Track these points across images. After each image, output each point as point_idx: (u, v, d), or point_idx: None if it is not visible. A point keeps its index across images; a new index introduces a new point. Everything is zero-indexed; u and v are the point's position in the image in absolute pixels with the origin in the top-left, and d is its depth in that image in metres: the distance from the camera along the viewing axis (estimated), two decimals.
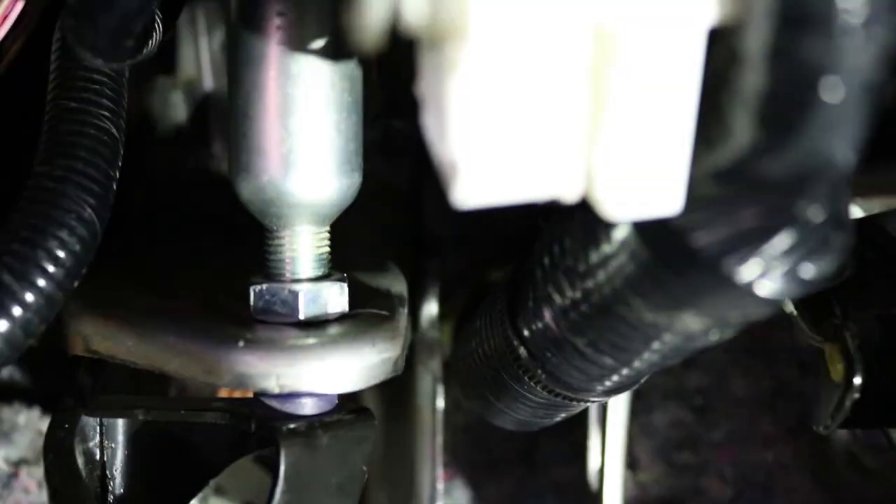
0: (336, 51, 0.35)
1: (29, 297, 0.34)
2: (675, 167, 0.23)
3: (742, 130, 0.23)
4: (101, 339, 0.39)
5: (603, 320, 0.32)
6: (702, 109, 0.23)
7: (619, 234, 0.28)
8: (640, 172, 0.23)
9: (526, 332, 0.37)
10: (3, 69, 0.43)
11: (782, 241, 0.25)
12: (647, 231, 0.27)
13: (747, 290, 0.26)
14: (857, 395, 0.40)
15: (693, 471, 0.66)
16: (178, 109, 0.53)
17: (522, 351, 0.38)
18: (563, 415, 0.44)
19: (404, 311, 0.41)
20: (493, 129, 0.21)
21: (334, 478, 0.37)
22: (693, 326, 0.29)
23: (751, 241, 0.25)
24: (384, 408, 0.58)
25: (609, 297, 0.30)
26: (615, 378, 0.36)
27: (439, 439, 0.54)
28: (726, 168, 0.24)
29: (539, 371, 0.38)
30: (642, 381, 0.39)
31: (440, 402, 0.54)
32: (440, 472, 0.55)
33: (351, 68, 0.35)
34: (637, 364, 0.33)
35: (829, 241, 0.27)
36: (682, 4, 0.21)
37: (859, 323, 0.41)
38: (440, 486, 0.55)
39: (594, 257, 0.30)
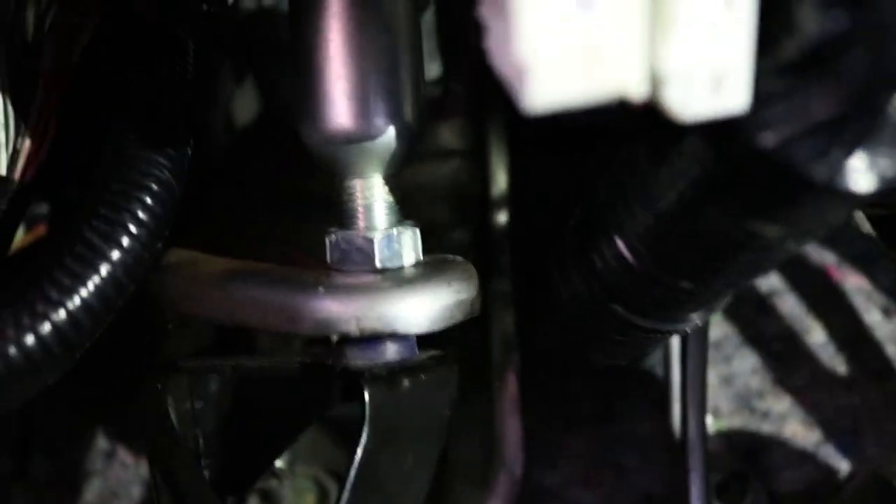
0: (394, 2, 0.36)
1: (116, 255, 0.36)
2: (740, 61, 0.23)
3: (808, 15, 0.22)
4: (187, 300, 0.41)
5: (677, 240, 0.32)
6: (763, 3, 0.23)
7: (689, 145, 0.28)
8: (705, 68, 0.23)
9: (600, 266, 0.37)
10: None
11: (859, 132, 0.25)
12: (716, 137, 0.27)
13: (823, 186, 0.25)
14: None
15: (776, 417, 0.65)
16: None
17: (598, 286, 0.38)
18: (650, 347, 0.44)
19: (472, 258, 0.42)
20: (559, 27, 0.21)
21: (418, 421, 0.38)
22: (769, 234, 0.29)
23: (825, 135, 0.25)
24: (462, 368, 0.59)
25: (682, 214, 0.30)
26: (693, 302, 0.36)
27: (515, 391, 0.54)
28: (795, 58, 0.24)
29: (617, 305, 0.38)
30: (721, 304, 0.38)
31: (516, 356, 0.55)
32: (520, 426, 0.56)
33: (410, 16, 0.36)
34: (715, 284, 0.33)
35: None
36: None
37: None
38: (520, 440, 0.55)
39: (664, 174, 0.30)
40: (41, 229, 0.60)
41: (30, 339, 0.36)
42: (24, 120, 0.44)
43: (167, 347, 0.44)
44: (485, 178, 0.54)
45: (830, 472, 0.63)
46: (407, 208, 0.51)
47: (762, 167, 0.26)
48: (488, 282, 0.54)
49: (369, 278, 0.36)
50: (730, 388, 0.66)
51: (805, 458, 0.64)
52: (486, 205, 0.53)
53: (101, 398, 0.62)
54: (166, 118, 0.39)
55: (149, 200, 0.36)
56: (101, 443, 0.64)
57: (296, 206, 0.51)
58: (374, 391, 0.36)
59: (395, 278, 0.36)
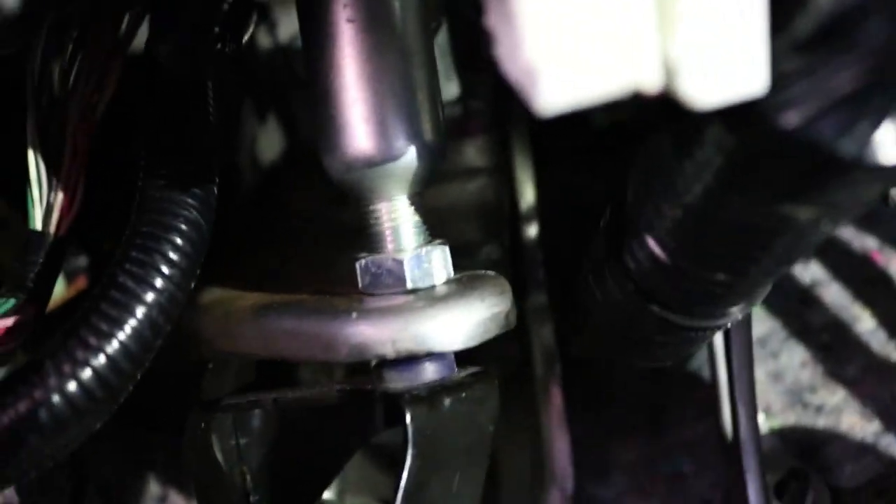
0: (405, 25, 0.36)
1: (151, 297, 0.36)
2: (755, 44, 0.23)
3: None
4: (223, 337, 0.41)
5: (708, 233, 0.31)
6: None
7: (710, 134, 0.28)
8: (718, 53, 0.23)
9: (633, 267, 0.37)
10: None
11: (884, 103, 0.24)
12: (737, 123, 0.26)
13: (852, 162, 0.25)
14: None
15: (831, 411, 0.64)
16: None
17: (633, 288, 0.37)
18: (693, 347, 0.43)
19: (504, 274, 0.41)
20: (565, 26, 0.21)
21: (462, 439, 0.38)
22: (801, 217, 0.28)
23: (849, 109, 0.24)
24: (503, 384, 0.58)
25: (710, 206, 0.30)
26: (731, 295, 0.35)
27: (560, 403, 0.54)
28: (811, 34, 0.24)
29: (654, 306, 0.37)
30: (761, 295, 0.38)
31: (558, 367, 0.54)
32: (568, 439, 0.55)
33: (422, 38, 0.36)
34: (752, 273, 0.33)
35: None
36: None
37: None
38: (569, 453, 0.55)
39: (688, 167, 0.30)
40: (81, 282, 0.61)
41: (72, 386, 0.36)
42: (56, 174, 0.45)
43: (209, 385, 0.44)
44: (512, 193, 0.54)
45: (893, 462, 0.61)
46: (436, 228, 0.51)
47: (788, 149, 0.25)
48: (524, 296, 0.53)
49: (401, 299, 0.36)
50: (780, 384, 0.64)
51: (865, 450, 0.62)
52: (516, 219, 0.53)
53: (151, 441, 0.62)
54: (190, 161, 0.40)
55: (179, 241, 0.37)
56: (153, 487, 0.64)
57: (326, 236, 0.51)
58: (415, 412, 0.36)
59: (428, 297, 0.36)
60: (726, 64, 0.23)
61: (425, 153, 0.36)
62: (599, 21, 0.21)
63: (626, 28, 0.22)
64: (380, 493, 0.55)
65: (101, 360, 0.36)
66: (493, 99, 0.55)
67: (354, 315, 0.35)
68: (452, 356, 0.38)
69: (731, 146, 0.27)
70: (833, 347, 0.65)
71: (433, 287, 0.37)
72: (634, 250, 0.36)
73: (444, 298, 0.36)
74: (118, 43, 0.43)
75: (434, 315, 0.35)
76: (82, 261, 0.59)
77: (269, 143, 0.61)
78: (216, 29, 0.35)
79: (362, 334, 0.35)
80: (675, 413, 0.65)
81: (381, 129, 0.35)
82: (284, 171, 0.59)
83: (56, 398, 0.36)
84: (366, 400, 0.39)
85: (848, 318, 0.66)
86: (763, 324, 0.66)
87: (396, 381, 0.37)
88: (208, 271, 0.44)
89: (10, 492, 0.61)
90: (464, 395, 0.37)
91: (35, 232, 0.43)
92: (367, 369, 0.39)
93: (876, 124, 0.25)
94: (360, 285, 0.37)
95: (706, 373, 0.63)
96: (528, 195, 0.54)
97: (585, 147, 0.59)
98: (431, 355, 0.37)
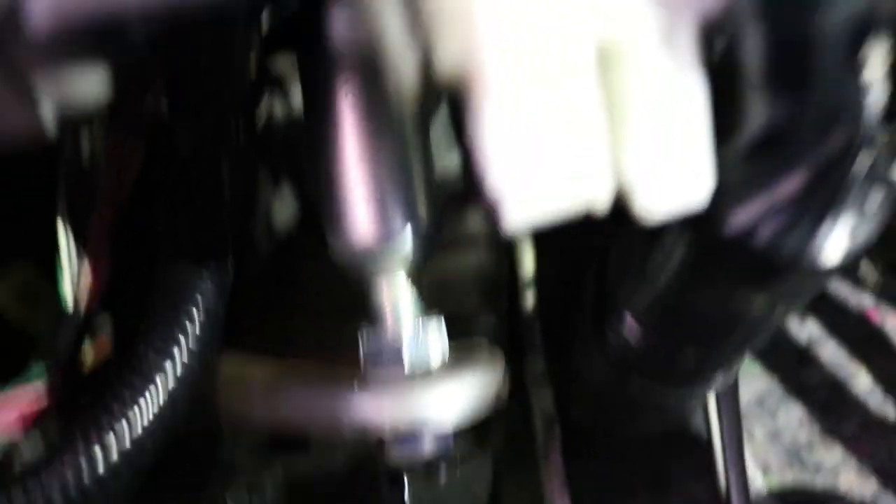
0: (397, 116, 0.39)
1: (168, 383, 0.39)
2: (698, 160, 0.26)
3: (756, 103, 0.25)
4: (243, 406, 0.44)
5: (676, 313, 0.34)
6: (716, 100, 0.26)
7: (674, 231, 0.30)
8: (663, 171, 0.26)
9: (615, 340, 0.39)
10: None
11: (822, 206, 0.27)
12: (691, 227, 0.29)
13: (791, 262, 0.28)
14: None
15: (829, 470, 0.65)
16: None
17: (615, 359, 0.40)
18: (680, 412, 0.45)
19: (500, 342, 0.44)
20: (525, 161, 0.24)
21: None
22: (756, 304, 0.31)
23: (789, 213, 0.27)
24: (507, 452, 0.61)
25: (675, 291, 0.32)
26: (706, 367, 0.38)
27: (560, 466, 0.56)
28: (751, 146, 0.26)
29: (635, 375, 0.40)
30: (738, 364, 0.40)
31: (557, 430, 0.56)
32: (567, 498, 0.57)
33: (418, 120, 0.39)
34: (720, 349, 0.35)
35: (865, 203, 0.28)
36: (669, 9, 0.24)
37: None
38: None
39: (656, 256, 0.32)
40: (104, 344, 0.64)
41: (96, 474, 0.39)
42: (85, 250, 0.48)
43: (225, 451, 0.47)
44: (511, 263, 0.56)
45: None
46: (437, 297, 0.54)
47: (735, 249, 0.28)
48: (522, 362, 0.56)
49: (400, 379, 0.38)
50: (778, 443, 0.66)
51: None
52: (514, 287, 0.56)
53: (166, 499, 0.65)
54: (207, 242, 0.43)
55: (193, 329, 0.40)
56: None
57: (335, 306, 0.54)
58: (413, 485, 0.38)
59: (425, 377, 0.38)
60: (673, 182, 0.26)
61: (422, 231, 0.39)
62: (555, 157, 0.24)
63: (580, 161, 0.25)
64: None
65: (125, 445, 0.39)
66: None
67: (356, 390, 0.38)
68: (449, 433, 0.41)
69: (688, 244, 0.29)
70: (830, 406, 0.67)
71: (429, 364, 0.39)
72: (615, 324, 0.38)
73: (440, 378, 0.39)
74: (141, 123, 0.46)
75: (430, 395, 0.38)
76: (105, 322, 0.62)
77: (284, 211, 0.65)
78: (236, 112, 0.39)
79: (362, 411, 0.38)
80: (676, 474, 0.66)
81: (381, 213, 0.38)
82: (297, 240, 0.62)
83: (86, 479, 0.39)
84: (370, 470, 0.41)
85: (845, 377, 0.68)
86: (760, 382, 0.68)
87: (397, 455, 0.40)
88: (226, 338, 0.47)
89: None
90: (460, 468, 0.40)
91: (65, 311, 0.46)
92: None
93: (813, 229, 0.27)
94: (362, 357, 0.40)
95: (705, 435, 0.65)
96: (526, 263, 0.57)
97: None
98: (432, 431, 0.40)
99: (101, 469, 0.39)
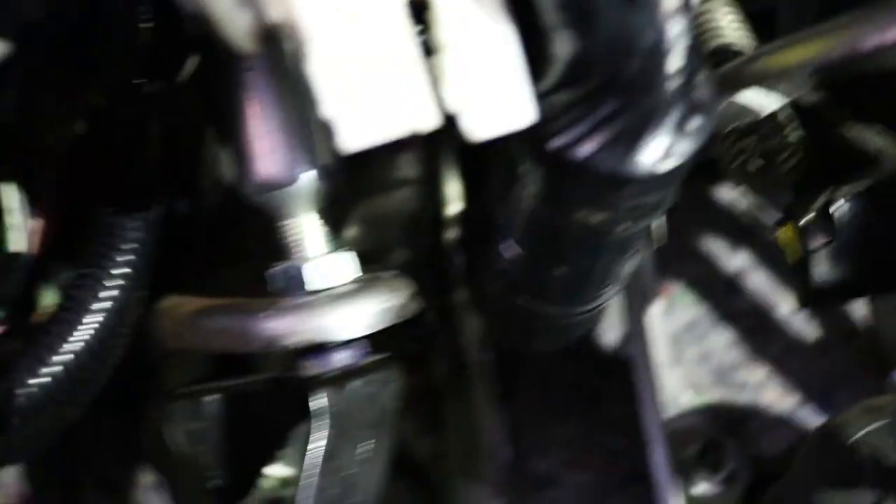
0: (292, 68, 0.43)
1: (99, 306, 0.44)
2: (514, 87, 0.30)
3: (555, 40, 0.28)
4: (171, 337, 0.48)
5: (540, 235, 0.38)
6: (527, 38, 0.29)
7: (518, 159, 0.34)
8: (484, 97, 0.29)
9: (499, 266, 0.43)
10: None
11: (635, 124, 0.31)
12: (526, 150, 0.33)
13: (614, 174, 0.31)
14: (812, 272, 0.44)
15: (753, 387, 0.69)
16: None
17: (502, 284, 0.44)
18: (576, 331, 0.49)
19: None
20: (351, 91, 0.28)
21: (367, 416, 0.44)
22: (595, 221, 0.34)
23: (603, 132, 0.31)
24: (452, 376, 0.65)
25: (533, 214, 0.36)
26: (581, 286, 0.41)
27: (491, 385, 0.60)
28: (561, 77, 0.30)
29: (521, 298, 0.44)
30: (615, 284, 0.43)
31: (486, 357, 0.61)
32: (499, 418, 0.62)
33: (293, 83, 0.43)
34: (585, 267, 0.39)
35: (684, 121, 0.32)
36: None
37: (804, 203, 0.45)
38: (502, 430, 0.61)
39: (516, 185, 0.36)
40: None
41: (44, 379, 0.44)
42: (32, 203, 0.52)
43: (167, 379, 0.52)
44: (436, 202, 0.60)
45: (809, 432, 0.67)
46: (366, 233, 0.58)
47: (563, 168, 0.32)
48: (450, 293, 0.60)
49: (302, 299, 0.43)
50: (707, 364, 0.70)
51: (783, 422, 0.68)
52: (438, 225, 0.60)
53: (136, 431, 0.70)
54: (131, 190, 0.47)
55: (121, 258, 0.44)
56: (149, 477, 0.72)
57: (272, 252, 0.58)
58: (319, 393, 0.42)
59: (327, 296, 0.43)
60: (492, 105, 0.29)
61: (321, 175, 0.43)
62: (380, 83, 0.28)
63: (399, 92, 0.28)
64: None
65: (67, 356, 0.44)
66: None
67: (262, 314, 0.42)
68: (361, 346, 0.45)
69: (530, 168, 0.33)
70: (756, 330, 0.71)
71: (330, 288, 0.43)
72: (500, 250, 0.42)
73: (340, 297, 0.43)
74: (74, 86, 0.50)
75: (329, 311, 0.42)
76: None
77: (230, 163, 0.68)
78: (140, 77, 0.43)
79: (270, 329, 0.42)
80: (610, 394, 0.71)
81: (280, 158, 0.42)
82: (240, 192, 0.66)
83: (34, 388, 0.44)
84: (291, 385, 0.45)
85: (771, 303, 0.72)
86: (692, 310, 0.72)
87: (310, 369, 0.44)
88: (174, 283, 0.52)
89: (8, 486, 0.68)
90: (367, 377, 0.44)
91: (11, 254, 0.50)
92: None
93: (630, 143, 0.31)
94: (272, 289, 0.44)
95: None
96: (452, 203, 0.61)
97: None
98: (340, 345, 0.44)
99: (50, 391, 0.44)
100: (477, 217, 0.44)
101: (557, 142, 0.31)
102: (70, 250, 0.56)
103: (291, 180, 0.42)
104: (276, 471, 0.58)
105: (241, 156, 0.43)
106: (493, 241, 0.43)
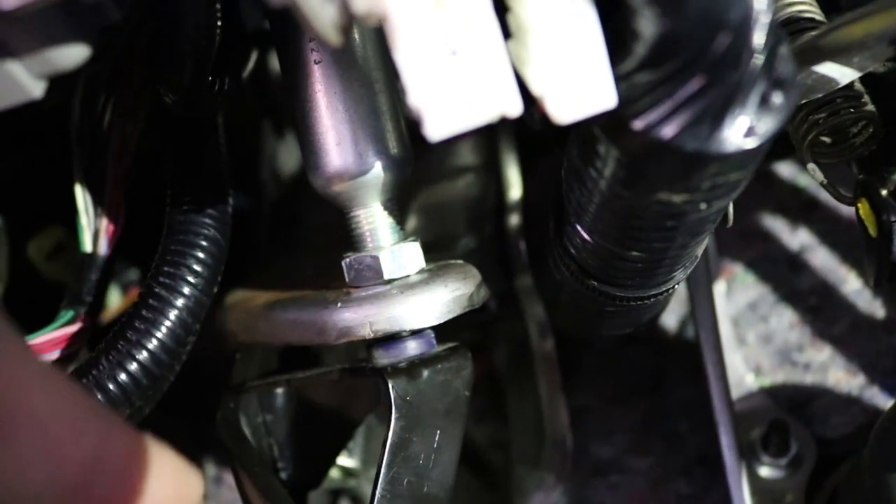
0: (366, 58, 0.43)
1: (180, 302, 0.44)
2: (597, 69, 0.29)
3: (643, 22, 0.28)
4: (243, 331, 0.49)
5: (615, 219, 0.37)
6: (609, 19, 0.29)
7: (598, 141, 0.34)
8: (567, 80, 0.29)
9: (573, 251, 0.43)
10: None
11: (717, 104, 0.30)
12: (608, 131, 0.32)
13: (698, 153, 0.31)
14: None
15: (818, 368, 0.68)
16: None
17: (575, 268, 0.44)
18: (645, 314, 0.49)
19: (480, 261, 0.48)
20: (437, 79, 0.28)
21: (440, 404, 0.44)
22: (677, 201, 0.34)
23: (686, 112, 0.30)
24: (513, 363, 0.65)
25: (609, 197, 0.36)
26: (653, 269, 0.41)
27: (556, 372, 0.60)
28: (645, 57, 0.30)
29: (593, 282, 0.43)
30: (687, 266, 0.43)
31: (549, 343, 0.61)
32: (563, 404, 0.61)
33: (383, 70, 0.43)
34: (659, 250, 0.39)
35: (768, 98, 0.31)
36: None
37: (880, 177, 0.44)
38: (566, 417, 0.61)
39: (590, 169, 0.36)
40: (135, 293, 0.70)
41: (122, 376, 0.44)
42: (100, 203, 0.53)
43: (237, 374, 0.52)
44: (499, 188, 0.60)
45: (877, 412, 0.66)
46: (429, 222, 0.58)
47: (647, 149, 0.31)
48: (512, 278, 0.60)
49: (378, 289, 0.43)
50: (769, 346, 0.69)
51: (850, 402, 0.67)
52: (501, 211, 0.59)
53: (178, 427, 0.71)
54: (206, 188, 0.48)
55: (201, 255, 0.45)
56: (210, 469, 0.73)
57: (333, 243, 0.59)
58: (395, 382, 0.43)
59: (399, 286, 0.43)
60: (575, 88, 0.29)
61: (391, 165, 0.43)
62: (466, 70, 0.28)
63: (488, 74, 0.28)
64: None
65: (144, 354, 0.45)
66: None
67: (339, 304, 0.43)
68: (431, 334, 0.45)
69: (610, 150, 0.33)
70: (820, 309, 0.70)
71: (406, 277, 0.43)
72: (571, 235, 0.42)
73: (413, 286, 0.43)
74: (143, 87, 0.51)
75: (404, 300, 0.42)
76: (133, 274, 0.67)
77: (288, 159, 0.69)
78: (211, 76, 0.43)
79: (345, 320, 0.42)
80: (673, 377, 0.70)
81: (352, 150, 0.42)
82: (300, 185, 0.66)
83: (110, 385, 0.44)
84: (363, 376, 0.46)
85: (835, 281, 0.70)
86: (753, 290, 0.71)
87: (383, 358, 0.44)
88: (235, 276, 0.52)
89: None
90: (440, 366, 0.44)
91: (86, 254, 0.51)
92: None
93: (714, 121, 0.31)
94: (346, 280, 0.44)
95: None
96: (513, 189, 0.61)
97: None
98: (411, 334, 0.44)
99: (127, 389, 0.45)
100: (544, 202, 0.44)
101: (640, 123, 0.31)
102: (135, 250, 0.57)
103: (362, 171, 0.43)
104: (341, 461, 0.59)
105: (312, 148, 0.43)
106: (563, 225, 0.43)
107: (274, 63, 0.65)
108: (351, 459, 0.59)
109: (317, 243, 0.59)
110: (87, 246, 0.53)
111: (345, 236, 0.46)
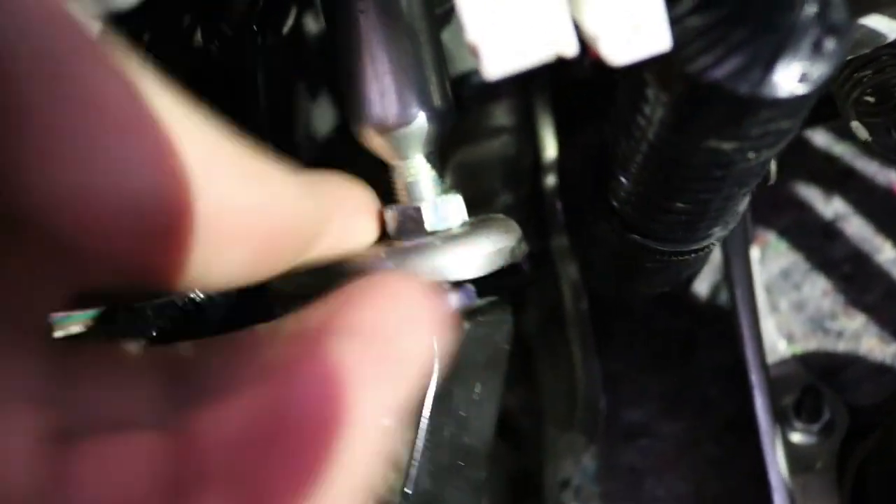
0: (411, 11, 0.43)
1: None
2: (653, 11, 0.29)
3: None
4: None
5: (662, 168, 0.38)
6: None
7: (647, 85, 0.34)
8: (623, 22, 0.29)
9: (616, 203, 0.43)
10: None
11: (772, 47, 0.30)
12: (660, 74, 0.32)
13: (749, 98, 0.31)
14: None
15: (851, 336, 0.68)
16: None
17: (617, 222, 0.44)
18: (684, 271, 0.49)
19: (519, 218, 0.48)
20: (495, 16, 0.28)
21: (480, 356, 0.45)
22: (726, 149, 0.34)
23: (741, 55, 0.30)
24: (543, 328, 0.65)
25: (657, 145, 0.36)
26: (697, 221, 0.41)
27: (589, 334, 0.60)
28: (699, 1, 0.30)
29: (636, 235, 0.44)
30: (731, 220, 0.43)
31: (584, 304, 0.61)
32: (597, 366, 0.62)
33: (427, 24, 0.43)
34: (705, 200, 0.39)
35: (820, 44, 0.31)
36: None
37: None
38: (598, 379, 0.61)
39: (638, 116, 0.36)
40: None
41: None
42: None
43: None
44: (535, 148, 0.60)
45: None
46: (464, 180, 0.58)
47: (699, 93, 0.31)
48: (547, 238, 0.60)
49: (422, 240, 0.43)
50: (802, 313, 0.69)
51: (883, 370, 0.67)
52: (537, 171, 0.60)
53: None
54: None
55: None
56: None
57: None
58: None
59: (443, 237, 0.43)
60: (631, 30, 0.29)
61: (435, 117, 0.43)
62: (523, 7, 0.28)
63: (544, 14, 0.28)
64: None
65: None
66: None
67: (383, 255, 0.43)
68: (472, 288, 0.45)
69: (661, 95, 0.33)
70: (854, 277, 0.70)
71: (448, 229, 0.44)
72: (614, 187, 0.42)
73: (456, 237, 0.43)
74: (193, 36, 0.51)
75: (448, 251, 0.42)
76: None
77: (322, 120, 0.69)
78: (255, 25, 0.43)
79: (389, 270, 0.43)
80: (704, 344, 0.70)
81: (396, 101, 0.43)
82: (336, 145, 0.67)
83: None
84: None
85: (869, 250, 0.70)
86: (786, 258, 0.71)
87: None
88: None
89: None
90: (481, 318, 0.45)
91: None
92: None
93: (767, 66, 0.31)
94: (389, 233, 0.45)
95: (728, 304, 0.68)
96: (548, 150, 0.61)
97: (603, 113, 0.65)
98: (454, 286, 0.44)
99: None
100: (585, 158, 0.44)
101: (692, 66, 0.31)
102: None
103: (406, 122, 0.43)
104: None
105: (356, 99, 0.43)
106: (606, 180, 0.43)
107: (310, 24, 0.66)
108: None
109: None
110: None
111: (383, 193, 0.46)
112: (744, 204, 0.44)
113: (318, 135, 0.69)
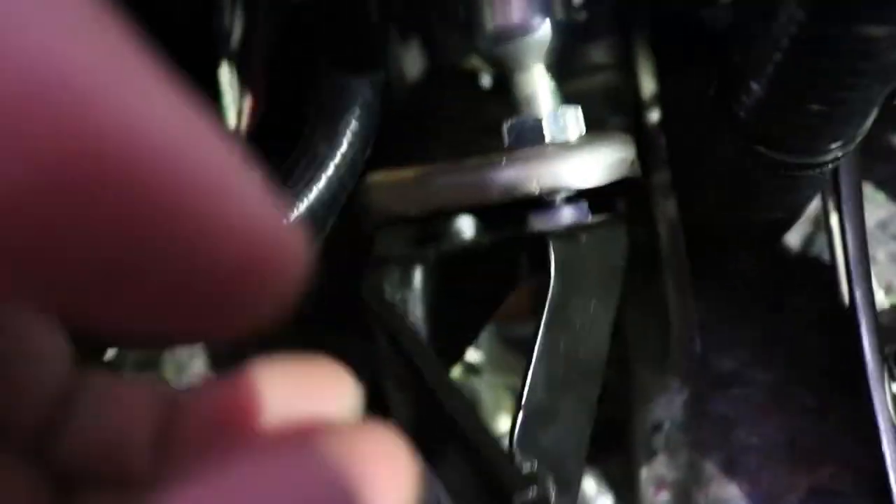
0: None
1: (339, 159, 0.45)
2: None
3: None
4: (395, 199, 0.49)
5: (800, 64, 0.37)
6: None
7: None
8: None
9: (742, 114, 0.42)
10: None
11: None
12: None
13: None
14: None
15: None
16: None
17: (741, 135, 0.43)
18: (803, 193, 0.48)
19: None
20: None
21: (596, 271, 0.44)
22: (874, 34, 0.33)
23: None
24: (639, 266, 0.65)
25: (799, 37, 0.35)
26: (829, 127, 0.40)
27: (685, 273, 0.59)
28: None
29: (761, 147, 0.43)
30: (858, 134, 0.42)
31: (680, 243, 0.60)
32: (692, 307, 0.61)
33: None
34: (842, 100, 0.38)
35: None
36: None
37: None
38: (693, 320, 0.60)
39: (780, 9, 0.35)
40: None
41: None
42: (244, 81, 0.54)
43: (378, 252, 0.53)
44: (635, 84, 0.60)
45: None
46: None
47: None
48: (648, 174, 0.59)
49: (542, 147, 0.43)
50: None
51: None
52: (639, 106, 0.59)
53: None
54: (361, 52, 0.48)
55: (359, 112, 0.45)
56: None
57: (468, 131, 0.59)
58: (557, 246, 0.43)
59: (564, 145, 0.43)
60: None
61: (557, 28, 0.43)
62: None
63: None
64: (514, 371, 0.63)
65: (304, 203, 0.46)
66: (615, 4, 0.61)
67: (504, 161, 0.43)
68: (586, 204, 0.45)
69: None
70: None
71: (567, 140, 0.43)
72: (741, 97, 0.41)
73: (577, 145, 0.43)
74: None
75: (568, 157, 0.42)
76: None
77: (413, 63, 0.69)
78: None
79: (511, 176, 0.42)
80: (796, 293, 0.69)
81: (519, 9, 0.42)
82: (427, 87, 0.66)
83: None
84: (514, 245, 0.46)
85: None
86: (884, 208, 0.69)
87: (540, 224, 0.44)
88: (385, 157, 0.53)
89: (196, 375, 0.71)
90: (597, 233, 0.44)
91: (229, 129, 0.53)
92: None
93: None
94: (506, 144, 0.44)
95: (826, 256, 0.67)
96: (649, 86, 0.60)
97: (702, 58, 0.63)
98: (569, 201, 0.44)
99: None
100: (717, 76, 0.43)
101: None
102: (275, 129, 0.58)
103: (528, 31, 0.43)
104: (468, 356, 0.59)
105: (479, 7, 0.43)
106: (729, 90, 0.42)
107: None
108: (477, 354, 0.59)
109: (452, 135, 0.60)
110: (230, 123, 0.54)
111: (487, 124, 0.46)
112: (870, 119, 0.43)
113: (408, 77, 0.69)
